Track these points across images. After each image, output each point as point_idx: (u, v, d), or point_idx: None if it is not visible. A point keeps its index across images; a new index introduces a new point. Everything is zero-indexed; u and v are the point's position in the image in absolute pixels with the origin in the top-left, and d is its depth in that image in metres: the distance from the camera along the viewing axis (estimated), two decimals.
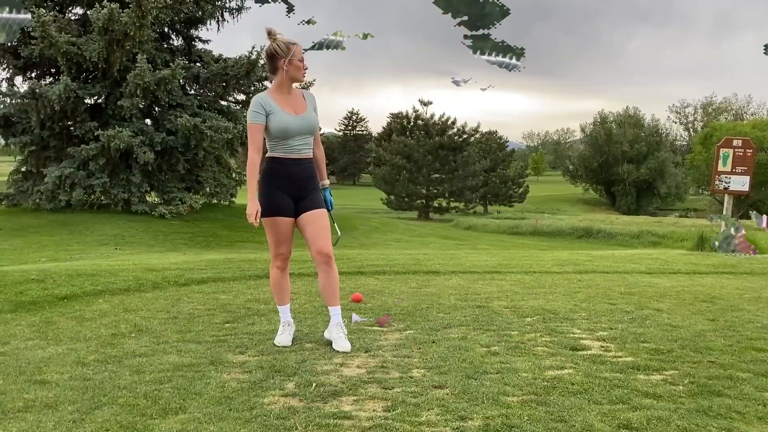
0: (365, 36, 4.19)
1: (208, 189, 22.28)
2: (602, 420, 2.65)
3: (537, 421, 2.62)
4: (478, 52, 3.90)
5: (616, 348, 3.82)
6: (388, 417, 2.67)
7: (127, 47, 18.86)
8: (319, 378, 3.17)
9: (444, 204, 45.70)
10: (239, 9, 23.26)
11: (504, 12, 3.83)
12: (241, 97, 22.93)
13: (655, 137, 70.79)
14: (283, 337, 3.84)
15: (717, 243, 10.49)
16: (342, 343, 3.70)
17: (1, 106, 20.07)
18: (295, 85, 3.75)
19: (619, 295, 5.68)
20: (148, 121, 21.07)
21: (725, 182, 11.28)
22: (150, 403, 2.80)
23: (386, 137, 48.27)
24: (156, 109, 21.00)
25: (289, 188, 3.70)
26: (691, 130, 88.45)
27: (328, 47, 4.15)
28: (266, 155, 3.73)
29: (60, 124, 19.91)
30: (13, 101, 19.88)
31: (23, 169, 21.59)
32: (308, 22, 4.35)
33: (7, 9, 4.01)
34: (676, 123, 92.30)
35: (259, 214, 3.58)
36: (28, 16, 15.61)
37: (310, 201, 3.75)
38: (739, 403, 2.88)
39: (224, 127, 20.06)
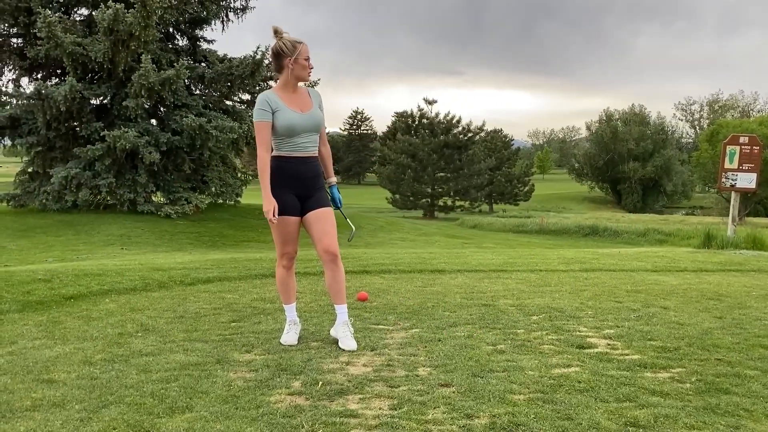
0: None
1: (213, 189, 22.32)
2: (609, 418, 2.64)
3: (543, 419, 2.61)
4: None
5: (623, 346, 3.80)
6: (394, 415, 2.67)
7: (132, 47, 18.93)
8: (325, 376, 3.17)
9: (449, 203, 45.68)
10: (244, 9, 23.31)
11: None
12: (246, 96, 22.95)
13: (661, 135, 70.62)
14: (289, 335, 3.84)
15: None
16: (348, 342, 3.70)
17: (8, 107, 20.17)
18: (300, 83, 3.74)
19: (625, 293, 5.67)
20: (153, 121, 21.13)
21: (732, 179, 11.23)
22: (157, 402, 2.80)
23: (391, 136, 48.26)
24: (161, 109, 21.07)
25: (295, 187, 3.69)
26: (698, 127, 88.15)
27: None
28: (272, 154, 3.72)
29: (66, 124, 19.98)
30: (20, 102, 19.99)
31: (30, 170, 21.67)
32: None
33: None
34: (682, 120, 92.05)
35: (276, 211, 3.55)
36: None
37: (315, 200, 3.74)
38: (746, 401, 2.87)
39: (229, 127, 20.09)
